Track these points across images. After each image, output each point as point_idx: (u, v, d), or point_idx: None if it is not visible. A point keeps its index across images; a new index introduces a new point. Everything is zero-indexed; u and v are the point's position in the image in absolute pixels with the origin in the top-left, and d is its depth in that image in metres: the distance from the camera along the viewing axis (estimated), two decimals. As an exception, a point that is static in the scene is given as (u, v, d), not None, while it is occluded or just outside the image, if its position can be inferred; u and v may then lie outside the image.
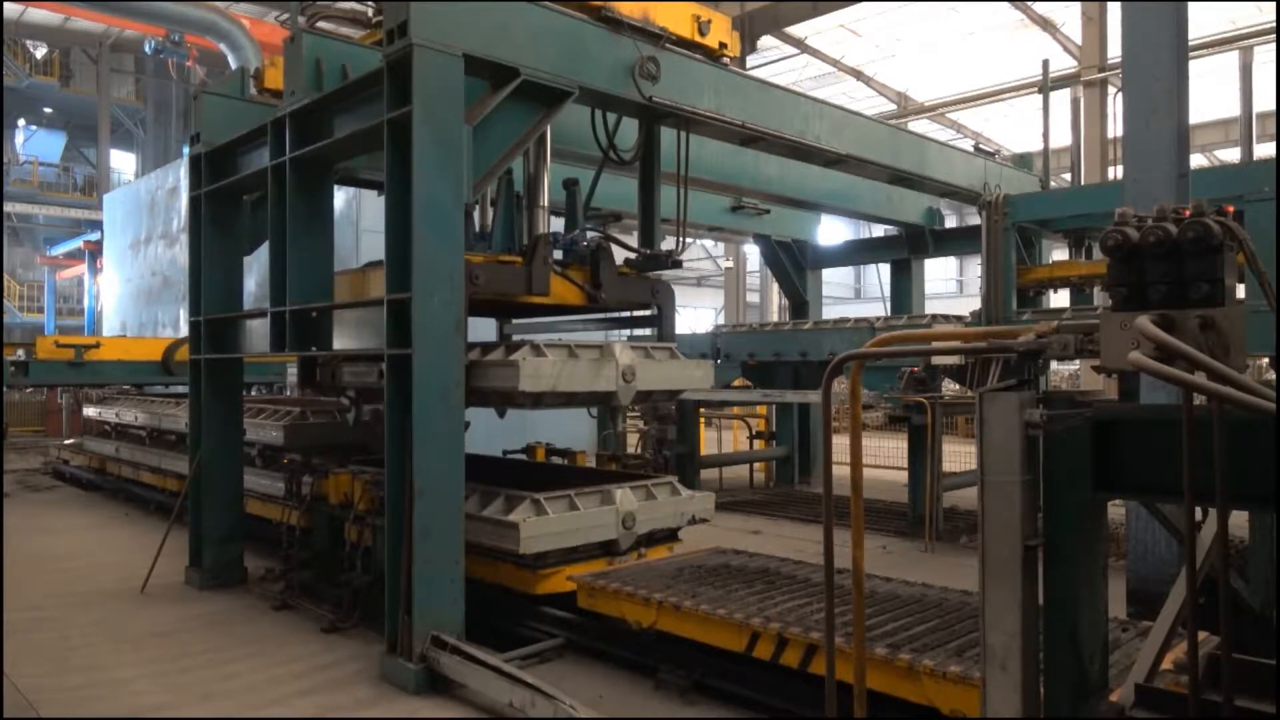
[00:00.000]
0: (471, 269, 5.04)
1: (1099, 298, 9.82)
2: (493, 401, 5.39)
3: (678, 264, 6.25)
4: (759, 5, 14.32)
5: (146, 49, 23.81)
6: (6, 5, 23.71)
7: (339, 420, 8.02)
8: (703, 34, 6.19)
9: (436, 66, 4.71)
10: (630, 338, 8.72)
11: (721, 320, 32.22)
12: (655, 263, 6.27)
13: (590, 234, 6.11)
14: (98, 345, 11.33)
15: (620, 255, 6.27)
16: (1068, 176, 12.84)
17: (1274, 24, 15.06)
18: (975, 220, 9.57)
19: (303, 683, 4.80)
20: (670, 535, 6.05)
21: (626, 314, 6.72)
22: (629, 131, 6.50)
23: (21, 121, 31.59)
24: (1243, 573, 4.53)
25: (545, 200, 5.90)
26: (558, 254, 5.88)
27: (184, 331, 10.29)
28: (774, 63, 21.15)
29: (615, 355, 5.46)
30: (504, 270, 5.42)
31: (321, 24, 6.31)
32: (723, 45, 6.31)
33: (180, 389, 11.47)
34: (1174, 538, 3.52)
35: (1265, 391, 1.94)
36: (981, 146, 16.03)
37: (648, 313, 6.46)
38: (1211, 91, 19.86)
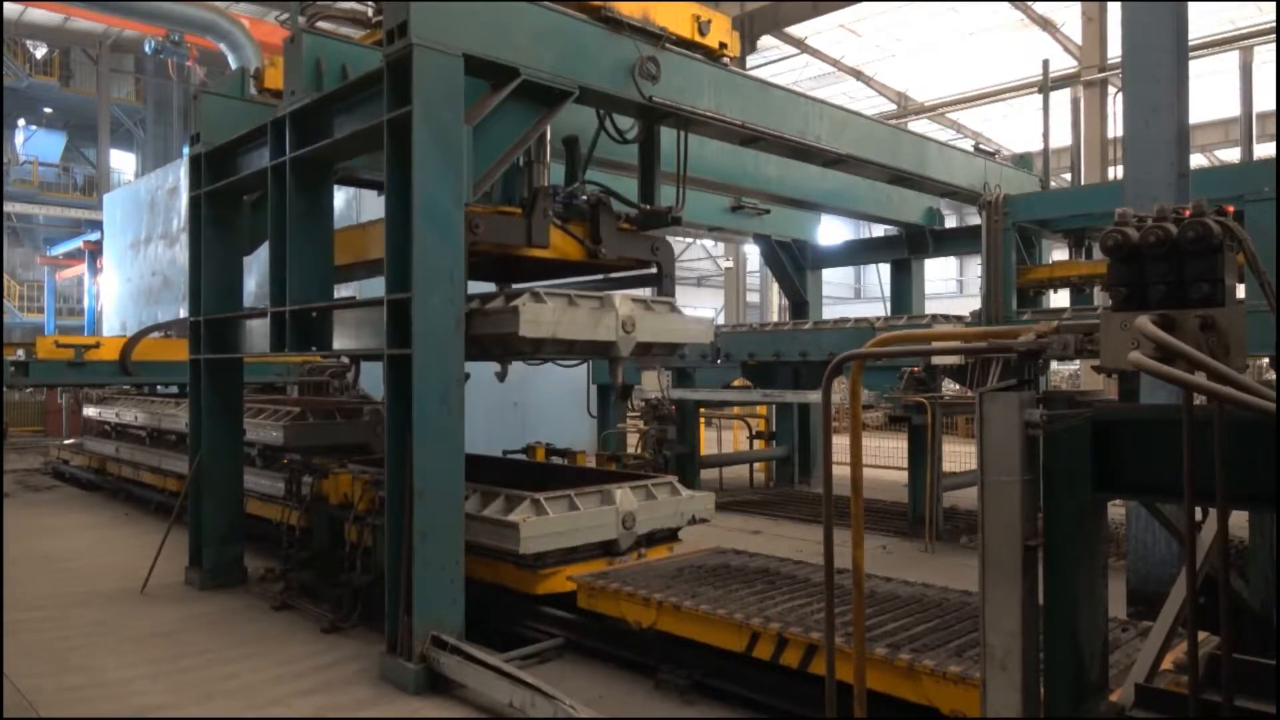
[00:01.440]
0: (472, 218, 5.01)
1: (1099, 298, 9.82)
2: (492, 351, 5.29)
3: (677, 220, 6.12)
4: (759, 5, 14.33)
5: (147, 49, 23.82)
6: (6, 5, 23.70)
7: (339, 420, 8.04)
8: (703, 34, 6.16)
9: (436, 66, 4.71)
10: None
11: (721, 320, 32.24)
12: (656, 219, 6.13)
13: (590, 188, 6.00)
14: (98, 345, 11.31)
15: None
16: (1068, 176, 12.84)
17: (1274, 24, 15.07)
18: (975, 220, 9.57)
19: (303, 683, 4.80)
20: (670, 535, 6.05)
21: (626, 274, 6.63)
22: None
23: (21, 121, 31.60)
24: (1243, 573, 4.53)
25: (547, 156, 5.81)
26: (558, 208, 5.79)
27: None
28: (774, 63, 21.15)
29: (615, 305, 5.40)
30: (504, 221, 5.37)
31: (321, 24, 6.30)
32: (723, 45, 6.29)
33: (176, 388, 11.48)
34: (1174, 538, 3.52)
35: (1265, 391, 1.94)
36: (981, 146, 16.01)
37: (649, 271, 6.34)
38: (1211, 91, 19.86)
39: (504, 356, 5.46)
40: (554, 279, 6.98)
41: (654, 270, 6.26)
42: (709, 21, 6.21)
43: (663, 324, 5.71)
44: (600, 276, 6.90)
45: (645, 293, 6.34)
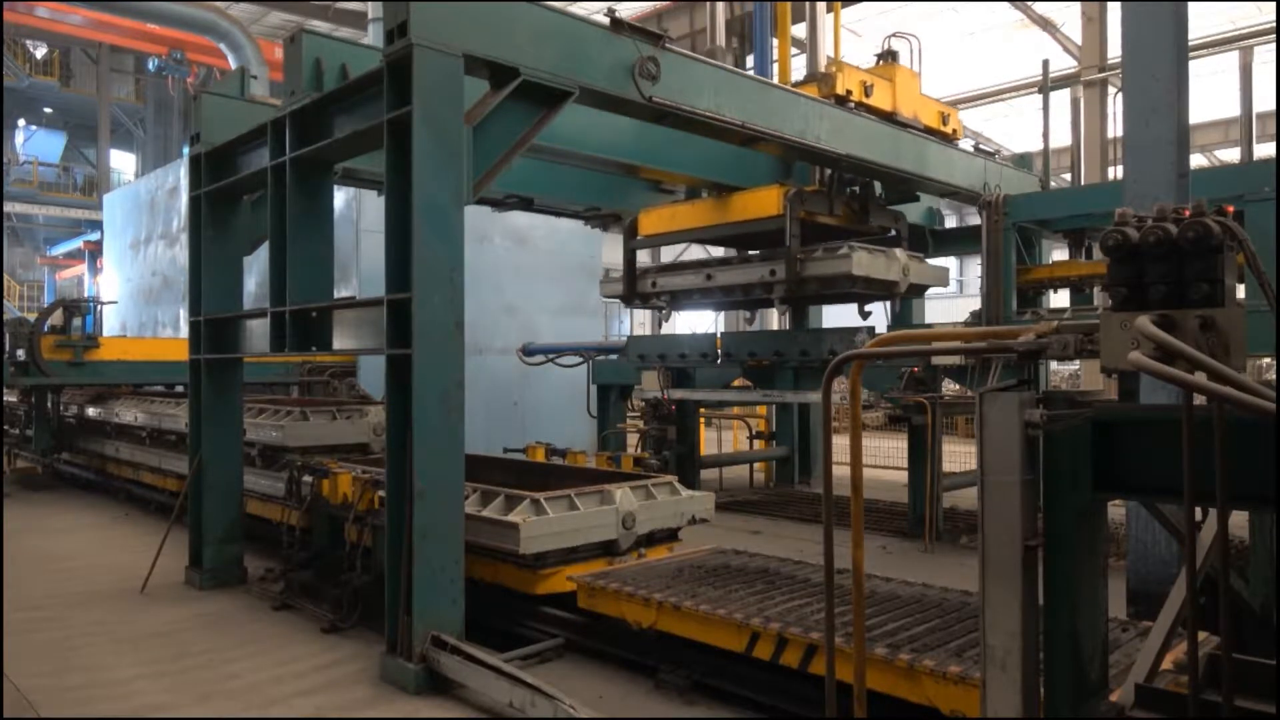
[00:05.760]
0: (801, 193, 7.43)
1: (1099, 298, 9.81)
2: (810, 285, 7.49)
3: (916, 197, 9.25)
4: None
5: (150, 67, 23.88)
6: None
7: (339, 419, 8.04)
8: (945, 124, 8.56)
9: (436, 66, 4.71)
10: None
11: (722, 321, 32.21)
12: (901, 195, 9.01)
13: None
14: (97, 345, 11.30)
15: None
16: (1068, 176, 12.84)
17: (1274, 24, 15.07)
18: (975, 220, 9.57)
19: (302, 683, 4.80)
20: (670, 535, 6.05)
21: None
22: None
23: (21, 121, 31.60)
24: (1243, 573, 4.53)
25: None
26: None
27: (184, 332, 10.19)
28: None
29: (898, 256, 7.51)
30: (816, 196, 7.76)
31: (321, 24, 6.31)
32: (954, 131, 8.84)
33: (180, 389, 11.44)
34: (1174, 538, 3.52)
35: (1265, 391, 1.94)
36: (981, 146, 16.01)
37: (890, 235, 8.70)
38: (1211, 91, 19.87)
39: (822, 289, 7.58)
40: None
41: (893, 234, 8.58)
42: (948, 115, 8.78)
43: (924, 271, 8.03)
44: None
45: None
